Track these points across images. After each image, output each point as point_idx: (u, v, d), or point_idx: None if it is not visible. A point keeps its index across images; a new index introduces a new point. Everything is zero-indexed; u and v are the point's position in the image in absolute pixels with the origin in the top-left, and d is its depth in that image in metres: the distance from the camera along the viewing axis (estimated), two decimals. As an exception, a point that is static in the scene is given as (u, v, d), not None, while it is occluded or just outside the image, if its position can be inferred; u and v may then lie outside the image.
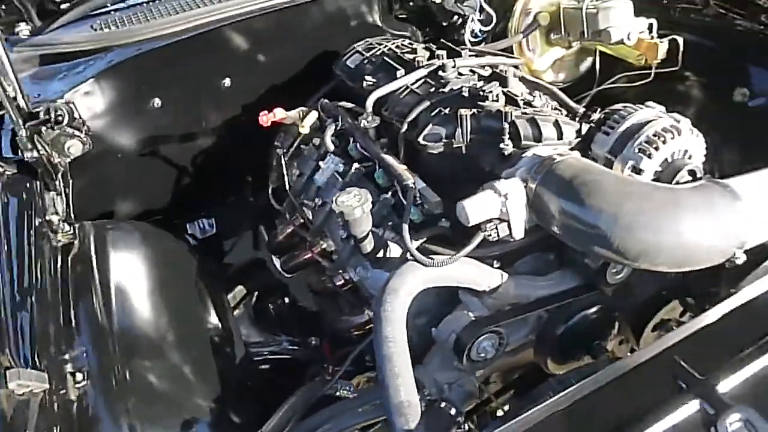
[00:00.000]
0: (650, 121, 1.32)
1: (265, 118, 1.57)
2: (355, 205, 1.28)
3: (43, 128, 1.45)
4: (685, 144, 1.31)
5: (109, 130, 1.77)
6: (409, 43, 1.77)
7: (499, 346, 1.33)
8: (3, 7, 1.57)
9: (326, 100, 1.76)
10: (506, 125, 1.34)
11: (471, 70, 1.60)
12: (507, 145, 1.35)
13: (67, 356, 1.16)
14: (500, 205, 1.23)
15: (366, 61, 1.75)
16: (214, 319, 1.50)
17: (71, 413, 1.09)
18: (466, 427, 1.39)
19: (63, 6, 1.75)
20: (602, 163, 1.35)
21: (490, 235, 1.25)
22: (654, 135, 1.29)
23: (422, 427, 1.01)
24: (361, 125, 1.58)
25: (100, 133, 1.75)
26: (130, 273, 1.45)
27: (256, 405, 1.33)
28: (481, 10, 1.96)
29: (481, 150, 1.41)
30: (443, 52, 1.61)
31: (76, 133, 1.65)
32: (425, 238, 1.35)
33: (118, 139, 1.80)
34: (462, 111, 1.40)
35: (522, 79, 1.72)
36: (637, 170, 1.29)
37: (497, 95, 1.41)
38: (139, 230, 1.63)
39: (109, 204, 1.86)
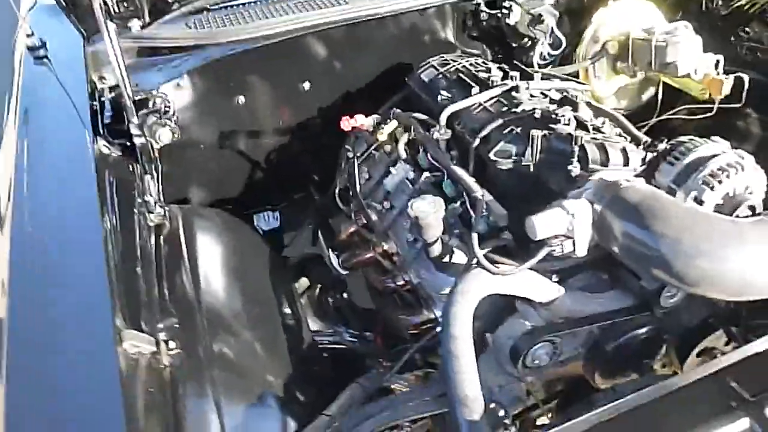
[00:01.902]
0: (715, 156, 1.39)
1: (347, 123, 1.68)
2: (430, 211, 1.37)
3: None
4: (748, 180, 1.38)
5: (195, 122, 1.91)
6: (483, 62, 1.87)
7: (553, 355, 1.41)
8: (124, 3, 1.71)
9: (398, 110, 1.86)
10: (575, 148, 1.43)
11: (542, 93, 1.69)
12: (575, 167, 1.43)
13: (161, 325, 1.28)
14: (567, 223, 1.32)
15: (440, 76, 1.85)
16: (284, 304, 1.61)
17: (164, 377, 1.21)
18: (513, 430, 1.47)
19: (174, 5, 1.88)
20: (666, 192, 1.42)
21: (554, 250, 1.33)
22: (718, 169, 1.35)
23: (483, 422, 1.10)
24: (433, 136, 1.68)
25: (187, 124, 1.88)
26: (212, 255, 1.57)
27: (318, 388, 1.43)
28: (552, 34, 2.03)
29: (549, 170, 1.49)
30: (516, 74, 1.70)
31: (167, 122, 1.79)
32: (490, 248, 1.44)
33: (201, 131, 1.93)
34: (534, 132, 1.49)
35: (588, 104, 1.81)
36: (699, 201, 1.36)
37: (569, 119, 1.49)
38: (220, 217, 1.75)
39: (186, 190, 1.99)
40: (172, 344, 1.25)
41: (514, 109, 1.60)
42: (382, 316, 1.79)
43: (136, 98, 1.62)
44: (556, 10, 2.03)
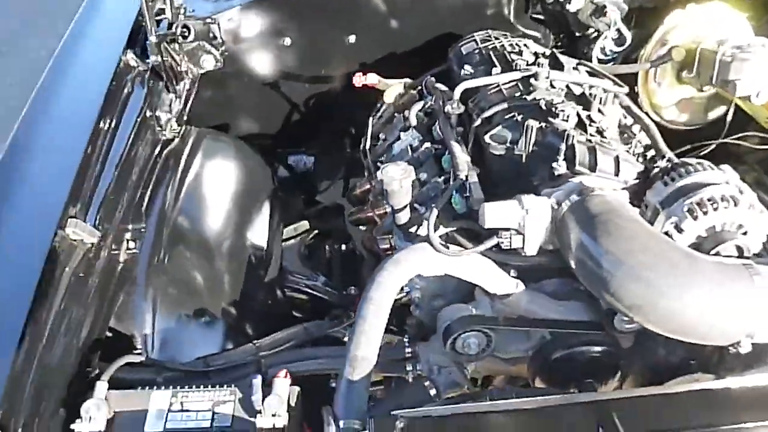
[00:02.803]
0: (710, 185, 1.27)
1: (358, 80, 1.70)
2: (396, 177, 1.38)
3: (181, 39, 1.69)
4: (741, 218, 1.25)
5: (242, 56, 2.01)
6: (524, 44, 1.79)
7: (486, 347, 1.39)
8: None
9: (432, 79, 1.85)
10: (563, 146, 1.36)
11: (567, 86, 1.61)
12: (560, 165, 1.37)
13: (130, 226, 1.41)
14: (519, 218, 1.27)
15: (476, 51, 1.80)
16: (262, 241, 1.69)
17: (115, 270, 1.34)
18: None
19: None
20: (651, 212, 1.32)
21: (503, 242, 1.29)
22: (708, 199, 1.24)
23: (362, 385, 1.12)
24: (445, 110, 1.66)
25: (234, 56, 1.98)
26: (209, 178, 1.68)
27: (269, 326, 1.50)
28: (616, 28, 1.90)
29: (538, 163, 1.44)
30: (545, 61, 1.62)
31: (212, 50, 1.90)
32: (455, 228, 1.42)
33: (247, 64, 2.03)
34: (530, 122, 1.43)
35: (627, 109, 1.69)
36: (678, 228, 1.26)
37: (568, 115, 1.42)
38: (235, 145, 1.85)
39: (227, 118, 2.11)
40: (132, 244, 1.38)
41: (525, 96, 1.54)
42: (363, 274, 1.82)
43: (189, 23, 1.72)
44: (625, 5, 1.89)
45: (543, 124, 1.43)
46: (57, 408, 1.06)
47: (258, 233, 1.70)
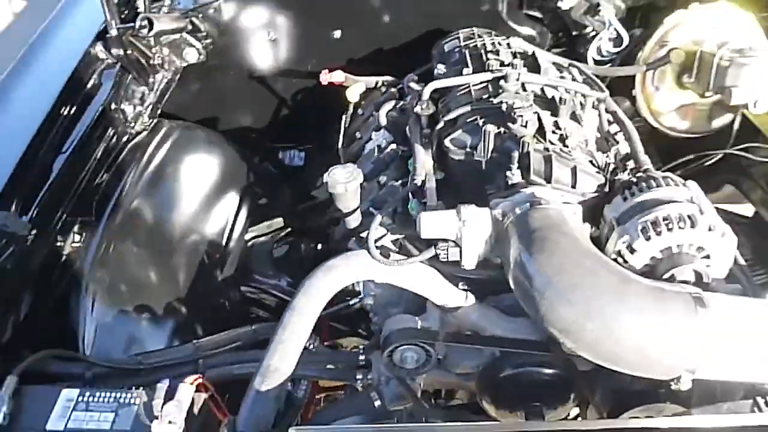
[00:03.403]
0: (669, 202, 1.16)
1: (324, 77, 1.65)
2: (340, 181, 1.33)
3: (143, 32, 1.67)
4: (702, 241, 1.14)
5: (228, 49, 1.99)
6: (507, 44, 1.70)
7: (426, 362, 1.32)
8: None
9: (414, 77, 1.78)
10: (516, 153, 1.28)
11: (542, 89, 1.51)
12: (513, 174, 1.29)
13: (78, 219, 1.41)
14: (456, 230, 1.20)
15: (456, 49, 1.73)
16: (222, 238, 1.67)
17: (59, 260, 1.35)
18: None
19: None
20: (607, 228, 1.23)
21: (441, 254, 1.23)
22: (664, 218, 1.14)
23: (271, 395, 1.08)
24: (415, 110, 1.59)
25: (221, 50, 1.97)
26: (173, 171, 1.67)
27: (221, 327, 1.47)
28: (611, 28, 1.79)
29: (495, 171, 1.36)
30: (520, 62, 1.53)
31: (195, 43, 1.89)
32: (403, 235, 1.36)
33: (234, 58, 2.01)
34: (489, 126, 1.35)
35: (614, 114, 1.59)
36: (630, 248, 1.16)
37: (527, 121, 1.33)
38: (209, 139, 1.84)
39: (215, 112, 2.10)
40: (77, 237, 1.38)
41: (492, 99, 1.46)
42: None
43: (153, 16, 1.71)
44: (622, 3, 1.77)
45: (502, 130, 1.35)
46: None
47: (219, 229, 1.68)
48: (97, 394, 1.10)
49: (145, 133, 1.68)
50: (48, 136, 1.36)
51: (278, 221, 1.89)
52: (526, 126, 1.33)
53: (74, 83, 1.48)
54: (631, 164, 1.44)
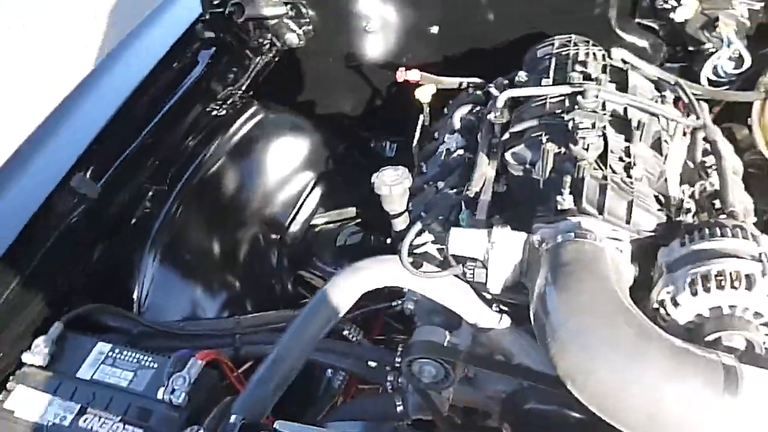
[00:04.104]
0: (731, 256, 1.03)
1: (400, 75, 1.63)
2: (386, 182, 1.31)
3: (234, 17, 1.74)
4: (760, 306, 1.00)
5: (329, 36, 2.02)
6: (602, 55, 1.57)
7: (444, 379, 1.28)
8: None
9: (504, 81, 1.71)
10: (568, 179, 1.19)
11: (624, 109, 1.39)
12: (564, 199, 1.20)
13: (153, 187, 1.53)
14: (484, 251, 1.15)
15: (547, 56, 1.62)
16: (286, 221, 1.72)
17: (128, 222, 1.47)
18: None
19: None
20: (657, 273, 1.11)
21: (468, 273, 1.18)
22: (717, 273, 1.01)
23: (271, 384, 1.11)
24: (488, 117, 1.53)
25: (321, 36, 2.01)
26: (252, 149, 1.74)
27: (271, 306, 1.53)
28: (731, 47, 1.59)
29: (550, 192, 1.27)
30: (604, 77, 1.42)
31: (296, 28, 1.95)
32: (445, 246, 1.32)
33: (334, 45, 2.05)
34: (549, 144, 1.27)
35: (713, 145, 1.42)
36: (674, 301, 1.04)
37: (589, 144, 1.23)
38: (296, 123, 1.90)
39: (310, 96, 2.15)
40: (148, 204, 1.50)
41: (564, 114, 1.36)
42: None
43: (245, 2, 1.78)
44: (746, 19, 1.56)
45: (562, 149, 1.26)
46: (20, 336, 1.21)
47: (285, 212, 1.74)
48: (125, 352, 1.20)
49: (232, 112, 1.78)
50: (135, 106, 1.48)
51: (350, 210, 1.91)
52: (587, 149, 1.23)
53: (169, 59, 1.59)
54: (718, 203, 1.30)
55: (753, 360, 0.97)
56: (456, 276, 1.21)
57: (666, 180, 1.32)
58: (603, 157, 1.23)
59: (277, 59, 1.97)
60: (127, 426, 1.08)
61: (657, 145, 1.37)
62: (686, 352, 0.93)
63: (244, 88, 1.84)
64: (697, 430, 0.90)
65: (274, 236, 1.71)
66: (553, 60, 1.57)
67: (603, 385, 0.93)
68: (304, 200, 1.79)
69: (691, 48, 1.73)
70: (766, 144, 1.61)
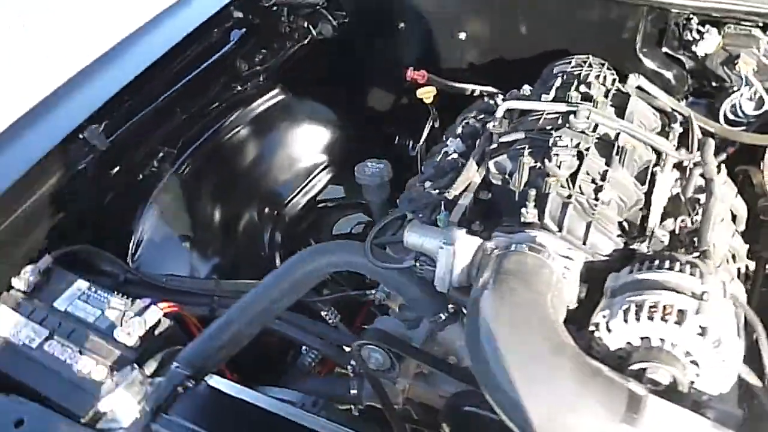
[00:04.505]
0: (672, 290, 1.02)
1: (410, 73, 1.67)
2: (366, 173, 1.37)
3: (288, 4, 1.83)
4: (687, 344, 0.99)
5: (362, 30, 2.08)
6: (613, 81, 1.56)
7: (389, 369, 1.32)
8: None
9: (518, 93, 1.73)
10: (533, 192, 1.21)
11: (617, 135, 1.38)
12: (528, 212, 1.22)
13: (165, 149, 1.64)
14: (435, 248, 1.18)
15: (560, 74, 1.63)
16: (286, 200, 1.80)
17: (134, 179, 1.59)
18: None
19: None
20: (605, 298, 1.12)
21: (417, 268, 1.22)
22: (651, 304, 1.01)
23: (215, 343, 1.18)
24: (487, 125, 1.55)
25: (355, 30, 2.07)
26: (265, 128, 1.83)
27: (254, 275, 1.61)
28: (750, 86, 1.55)
29: (523, 203, 1.29)
30: (603, 100, 1.41)
31: (332, 20, 2.03)
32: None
33: (366, 41, 2.10)
34: (525, 158, 1.28)
35: (707, 183, 1.40)
36: (607, 327, 1.05)
37: (561, 162, 1.24)
38: (316, 110, 1.97)
39: (338, 87, 2.21)
40: (156, 164, 1.61)
41: (551, 129, 1.38)
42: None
43: None
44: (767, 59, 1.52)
45: (538, 165, 1.28)
46: (15, 262, 1.34)
47: (288, 191, 1.81)
48: (100, 292, 1.30)
49: (254, 91, 1.87)
50: (158, 73, 1.59)
51: (354, 200, 1.97)
52: (560, 166, 1.24)
53: (198, 34, 1.69)
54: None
55: (676, 398, 0.97)
56: (411, 270, 1.25)
57: (642, 209, 1.31)
58: (574, 177, 1.24)
59: (307, 47, 2.04)
60: (83, 356, 1.18)
61: (643, 174, 1.36)
62: (595, 374, 0.94)
63: (269, 70, 1.93)
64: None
65: (272, 212, 1.79)
66: (561, 78, 1.57)
67: (506, 393, 0.95)
68: (309, 182, 1.87)
69: (714, 84, 1.68)
70: (774, 191, 1.56)
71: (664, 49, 1.75)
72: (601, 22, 1.81)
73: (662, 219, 1.36)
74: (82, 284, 1.32)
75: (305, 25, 2.02)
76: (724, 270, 1.33)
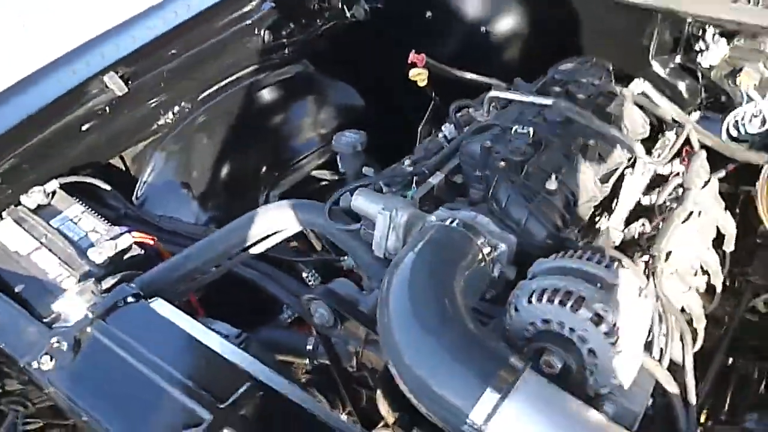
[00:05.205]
0: (577, 277, 1.04)
1: (412, 56, 1.73)
2: (342, 143, 1.45)
3: None
4: (579, 329, 1.00)
5: (391, 18, 2.14)
6: (609, 82, 1.55)
7: (332, 326, 1.39)
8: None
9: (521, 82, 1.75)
10: (478, 172, 1.25)
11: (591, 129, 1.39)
12: (476, 191, 1.28)
13: (180, 102, 1.79)
14: (375, 213, 1.24)
15: (558, 72, 1.63)
16: (289, 164, 1.91)
17: (141, 124, 1.74)
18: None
19: None
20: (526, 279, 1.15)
21: (361, 230, 1.28)
22: (555, 289, 1.03)
23: (174, 270, 1.30)
24: (473, 113, 1.60)
25: (384, 16, 2.13)
26: (285, 97, 1.95)
27: None
28: (752, 103, 1.50)
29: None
30: (586, 101, 1.42)
31: (365, 4, 2.11)
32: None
33: (394, 27, 2.15)
34: (487, 143, 1.32)
35: (683, 192, 1.38)
36: (515, 306, 1.08)
37: (516, 148, 1.27)
38: (333, 86, 2.06)
39: (361, 70, 2.28)
40: (171, 115, 1.76)
41: (525, 119, 1.40)
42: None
43: None
44: (773, 75, 1.46)
45: (498, 151, 1.31)
46: (29, 182, 1.52)
47: (292, 158, 1.92)
48: (91, 218, 1.46)
49: (277, 61, 1.99)
50: (184, 32, 1.73)
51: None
52: (513, 153, 1.27)
53: (227, 2, 1.82)
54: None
55: (570, 384, 1.00)
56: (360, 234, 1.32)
57: (599, 206, 1.32)
58: (524, 164, 1.27)
59: (338, 28, 2.13)
60: (60, 267, 1.34)
61: (609, 174, 1.36)
62: (476, 344, 0.98)
63: (296, 44, 2.04)
64: (458, 417, 0.94)
65: (272, 174, 1.90)
66: (555, 74, 1.59)
67: (397, 354, 1.00)
68: (312, 155, 1.97)
69: (722, 98, 1.64)
70: (767, 213, 1.50)
71: (678, 59, 1.71)
72: (618, 26, 1.79)
73: (630, 221, 1.37)
74: (77, 209, 1.48)
75: (339, 5, 2.11)
76: (680, 279, 1.32)
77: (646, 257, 1.26)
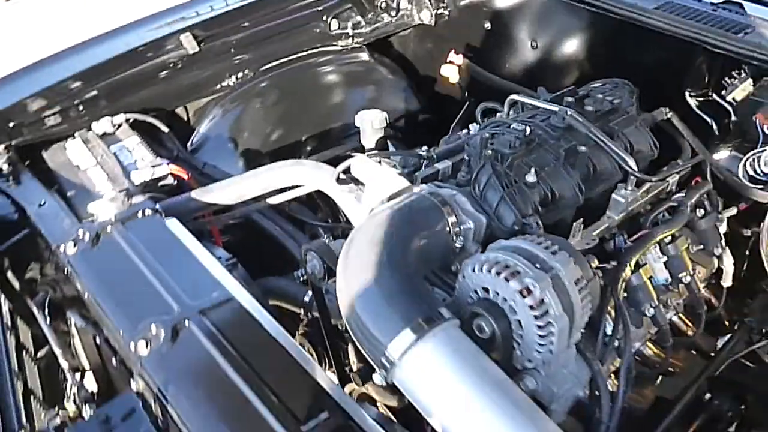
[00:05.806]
0: (522, 256, 1.13)
1: (452, 55, 1.85)
2: (365, 119, 1.61)
3: None
4: (512, 300, 1.09)
5: (454, 24, 2.27)
6: (624, 112, 1.59)
7: (322, 279, 1.53)
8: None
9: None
10: (465, 157, 1.36)
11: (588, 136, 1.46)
12: (463, 176, 1.38)
13: (246, 69, 2.01)
14: (368, 179, 1.38)
15: (591, 88, 1.70)
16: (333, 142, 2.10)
17: (207, 80, 1.98)
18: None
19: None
20: None
21: (356, 195, 1.43)
22: (497, 261, 1.12)
23: (197, 200, 1.50)
24: (497, 116, 1.70)
25: (448, 22, 2.27)
26: (343, 83, 2.15)
27: None
28: None
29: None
30: (592, 111, 1.49)
31: (431, 7, 2.26)
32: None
33: (455, 36, 2.28)
34: (485, 133, 1.43)
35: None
36: (462, 275, 1.18)
37: (505, 141, 1.37)
38: (395, 82, 2.23)
39: (422, 71, 2.42)
40: (233, 79, 1.99)
41: (525, 124, 1.49)
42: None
43: None
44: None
45: (492, 142, 1.42)
46: (100, 112, 1.78)
47: (332, 140, 2.10)
48: (143, 150, 1.70)
49: (341, 46, 2.18)
50: (260, 7, 1.96)
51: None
52: (503, 145, 1.37)
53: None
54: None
55: (496, 351, 1.09)
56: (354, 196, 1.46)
57: (577, 211, 1.39)
58: (505, 156, 1.36)
59: (404, 27, 2.29)
60: (107, 183, 1.58)
61: (597, 183, 1.43)
62: (415, 289, 1.09)
63: (361, 36, 2.21)
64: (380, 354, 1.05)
65: (314, 151, 2.08)
66: (580, 89, 1.66)
67: (342, 295, 1.12)
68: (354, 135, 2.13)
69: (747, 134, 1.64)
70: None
71: (712, 95, 1.73)
72: (656, 54, 1.83)
73: (614, 233, 1.43)
74: (134, 140, 1.73)
75: (409, 6, 2.28)
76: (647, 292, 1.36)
77: (613, 263, 1.33)
